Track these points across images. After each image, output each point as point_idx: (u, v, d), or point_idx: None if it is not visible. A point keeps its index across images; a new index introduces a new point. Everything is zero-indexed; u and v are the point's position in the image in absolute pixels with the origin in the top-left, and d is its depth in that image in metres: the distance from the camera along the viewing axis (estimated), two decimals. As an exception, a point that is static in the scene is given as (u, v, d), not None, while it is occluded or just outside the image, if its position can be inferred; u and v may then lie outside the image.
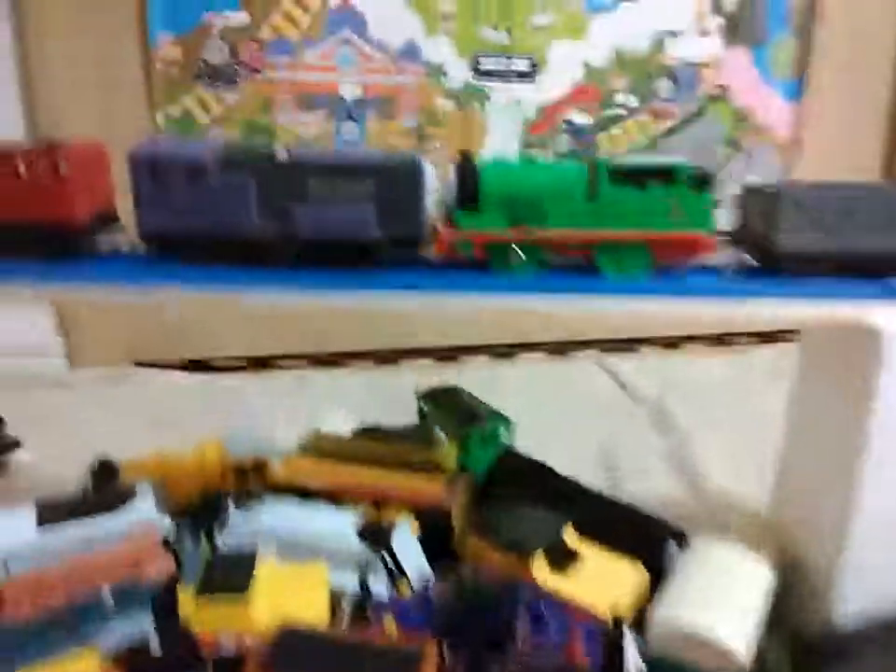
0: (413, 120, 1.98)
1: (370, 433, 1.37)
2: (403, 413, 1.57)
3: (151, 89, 1.82)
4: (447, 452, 1.33)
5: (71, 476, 1.22)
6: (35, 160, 0.92)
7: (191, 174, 0.92)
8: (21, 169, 0.92)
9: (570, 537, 1.08)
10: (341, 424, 1.39)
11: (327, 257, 0.96)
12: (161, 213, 0.93)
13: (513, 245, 0.96)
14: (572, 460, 1.56)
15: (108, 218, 1.04)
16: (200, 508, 1.18)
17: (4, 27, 1.71)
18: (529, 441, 1.46)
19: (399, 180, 0.94)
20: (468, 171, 0.97)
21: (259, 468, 1.27)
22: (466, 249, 0.96)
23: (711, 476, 1.51)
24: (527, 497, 1.19)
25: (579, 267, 0.99)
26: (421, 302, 0.97)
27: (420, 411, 1.59)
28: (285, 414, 1.67)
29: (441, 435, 1.37)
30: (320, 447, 1.33)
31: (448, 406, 1.51)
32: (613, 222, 0.95)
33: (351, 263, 0.96)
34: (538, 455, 1.35)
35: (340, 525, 1.05)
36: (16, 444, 1.42)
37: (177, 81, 1.83)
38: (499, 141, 2.05)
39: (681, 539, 1.12)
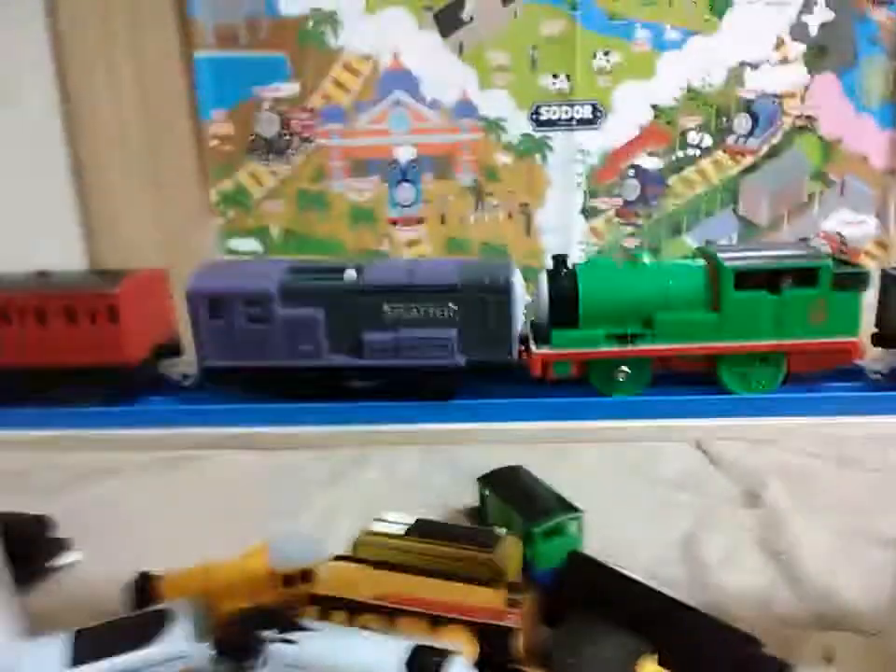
0: (471, 177, 1.91)
1: (424, 531, 1.29)
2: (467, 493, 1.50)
3: (204, 166, 1.81)
4: (509, 552, 1.24)
5: (120, 578, 1.20)
6: (92, 302, 0.91)
7: (253, 305, 0.88)
8: (79, 316, 0.91)
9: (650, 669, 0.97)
10: (394, 520, 1.32)
11: (405, 386, 0.89)
12: (222, 349, 0.89)
13: (619, 365, 0.86)
14: (651, 549, 1.45)
15: (169, 350, 1.01)
16: (243, 629, 1.12)
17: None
18: (603, 527, 1.36)
19: (486, 302, 0.87)
20: (563, 281, 0.87)
21: (308, 577, 1.21)
22: (563, 370, 0.87)
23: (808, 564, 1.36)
24: (600, 615, 1.08)
25: (694, 380, 0.89)
26: (511, 431, 0.90)
27: (481, 497, 1.50)
28: (340, 500, 1.61)
29: (502, 532, 1.27)
30: (371, 550, 1.26)
31: (510, 494, 1.42)
32: (739, 333, 0.84)
33: (432, 393, 0.89)
34: (611, 543, 1.26)
35: (386, 657, 0.98)
36: (65, 547, 1.41)
37: (230, 157, 1.82)
38: (562, 192, 1.96)
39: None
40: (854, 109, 2.00)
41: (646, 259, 0.90)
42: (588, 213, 2.00)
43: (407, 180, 1.89)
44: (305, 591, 1.17)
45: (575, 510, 1.34)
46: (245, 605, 1.17)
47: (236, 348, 0.89)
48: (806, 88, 1.97)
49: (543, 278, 0.88)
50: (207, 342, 0.89)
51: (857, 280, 0.83)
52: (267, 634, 1.04)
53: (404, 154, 1.87)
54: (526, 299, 0.90)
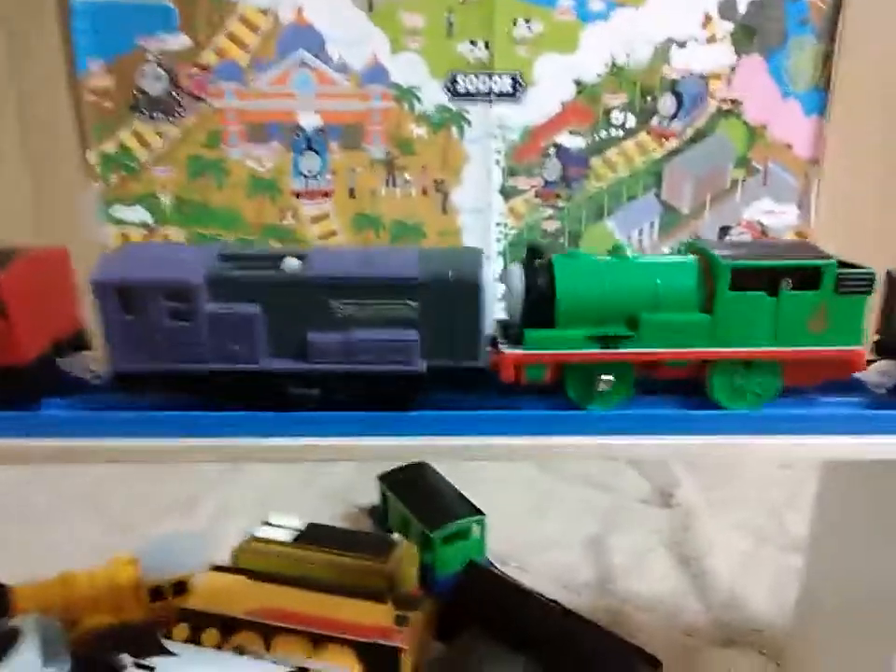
0: (382, 150, 1.80)
1: (313, 537, 1.19)
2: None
3: (82, 123, 1.65)
4: (404, 560, 1.15)
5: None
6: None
7: (175, 299, 0.74)
8: None
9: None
10: (281, 524, 1.22)
11: (356, 395, 0.76)
12: (137, 349, 0.75)
13: (599, 371, 0.76)
14: (559, 553, 1.40)
15: (73, 345, 0.85)
16: (99, 650, 1.01)
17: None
18: (512, 529, 1.30)
19: (452, 299, 0.75)
20: (538, 274, 0.77)
21: (180, 589, 1.10)
22: (537, 375, 0.77)
23: (717, 572, 1.32)
24: (494, 631, 1.01)
25: (680, 390, 0.79)
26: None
27: (382, 496, 1.42)
28: (230, 500, 1.51)
29: (397, 538, 1.19)
30: (254, 558, 1.16)
31: (411, 495, 1.33)
32: (733, 337, 0.75)
33: (388, 402, 0.76)
34: (519, 546, 1.18)
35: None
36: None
37: (111, 114, 1.66)
38: (480, 169, 1.87)
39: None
40: (780, 94, 1.97)
41: (629, 252, 0.79)
42: (507, 192, 1.91)
43: (312, 149, 1.76)
44: (176, 605, 1.06)
45: (478, 512, 1.27)
46: (109, 620, 1.06)
47: (154, 349, 0.75)
48: (733, 69, 1.92)
49: (516, 271, 0.77)
50: (118, 341, 0.75)
51: (863, 283, 0.75)
52: (123, 658, 0.93)
53: (309, 121, 1.75)
54: (496, 294, 0.78)
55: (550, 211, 1.95)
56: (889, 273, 0.82)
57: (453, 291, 0.74)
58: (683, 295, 0.76)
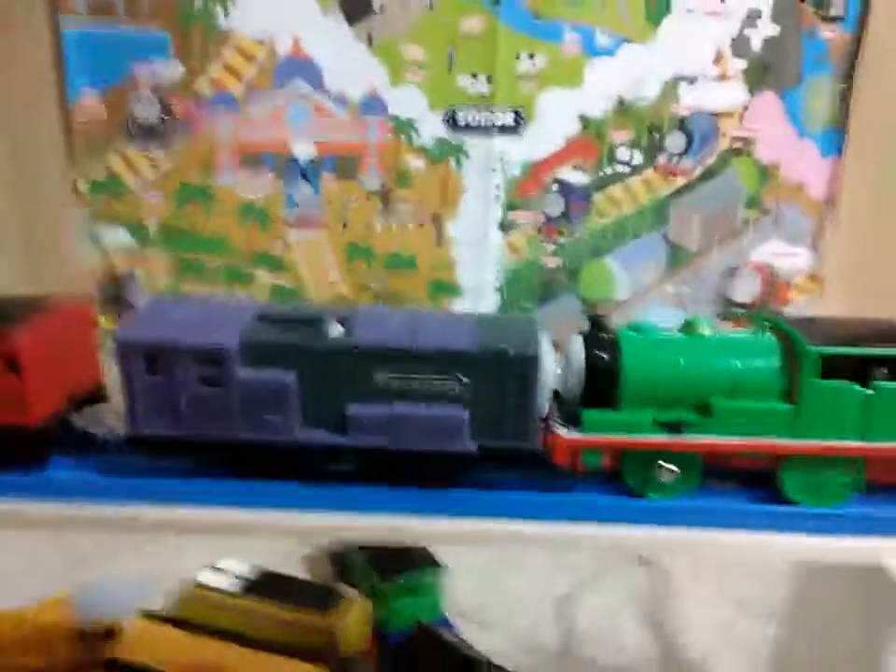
0: (378, 181, 1.79)
1: (259, 586, 1.19)
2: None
3: (72, 150, 1.66)
4: (352, 614, 1.14)
5: None
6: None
7: (206, 364, 0.71)
8: None
9: None
10: (228, 571, 1.21)
11: (399, 473, 0.73)
12: (160, 412, 0.72)
13: (662, 460, 0.71)
14: (525, 612, 1.38)
15: (90, 398, 0.84)
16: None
17: None
18: (475, 584, 1.28)
19: (507, 375, 0.71)
20: (602, 349, 0.72)
21: (111, 635, 1.10)
22: (595, 461, 0.72)
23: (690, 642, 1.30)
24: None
25: (751, 485, 0.74)
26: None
27: (343, 543, 1.41)
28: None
29: (345, 591, 1.18)
30: (195, 607, 1.15)
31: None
32: (814, 429, 0.70)
33: (433, 481, 0.73)
34: (485, 602, 1.17)
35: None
36: None
37: (102, 140, 1.67)
38: (478, 202, 1.85)
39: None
40: (796, 133, 1.93)
41: (706, 329, 0.75)
42: (506, 226, 1.90)
43: (306, 179, 1.76)
44: (106, 652, 1.06)
45: (435, 564, 1.26)
46: (36, 663, 1.07)
47: (179, 414, 0.72)
48: (745, 107, 1.89)
49: (577, 344, 0.73)
50: (141, 403, 0.72)
51: None
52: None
53: (303, 150, 1.75)
54: (553, 368, 0.74)
55: (550, 247, 1.93)
56: None
57: (510, 367, 0.70)
58: (764, 380, 0.71)
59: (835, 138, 1.93)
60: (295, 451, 0.73)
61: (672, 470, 0.71)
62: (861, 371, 0.70)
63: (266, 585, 1.19)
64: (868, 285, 2.07)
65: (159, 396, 0.71)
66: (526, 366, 0.70)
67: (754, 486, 0.74)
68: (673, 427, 0.71)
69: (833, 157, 1.94)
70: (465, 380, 0.71)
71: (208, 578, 1.20)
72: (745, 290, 2.06)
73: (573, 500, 0.73)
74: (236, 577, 1.21)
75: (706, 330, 0.75)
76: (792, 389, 0.70)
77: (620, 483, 0.73)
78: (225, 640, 1.07)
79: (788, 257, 2.03)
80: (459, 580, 1.30)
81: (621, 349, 0.72)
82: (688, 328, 0.75)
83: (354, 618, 1.15)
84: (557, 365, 0.74)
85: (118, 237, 1.75)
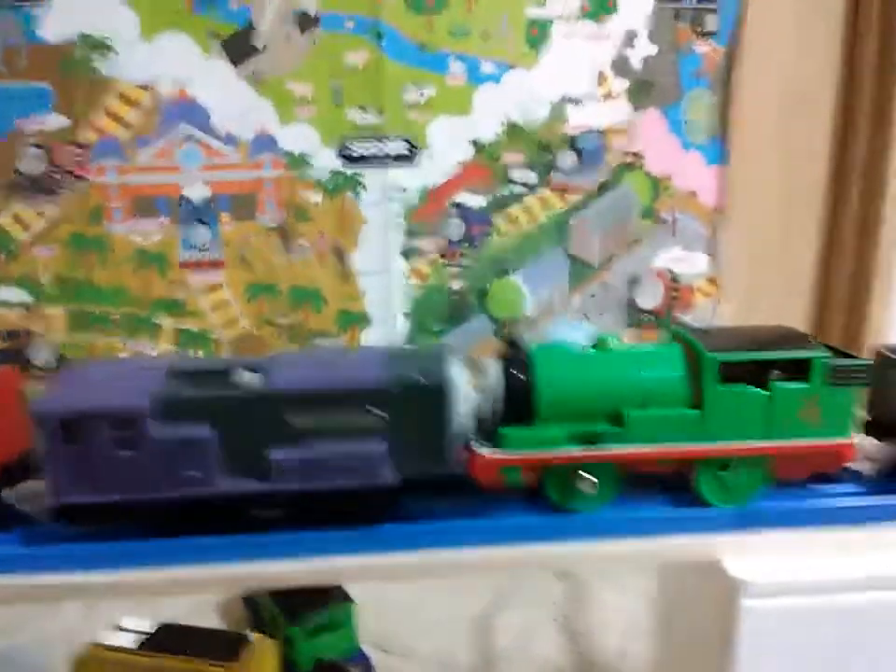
0: (276, 217, 1.81)
1: (163, 642, 1.18)
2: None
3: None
4: (261, 661, 1.15)
5: None
6: None
7: (120, 427, 0.71)
8: None
9: None
10: (132, 628, 1.21)
11: (324, 513, 0.74)
12: (81, 480, 0.72)
13: (581, 471, 0.74)
14: (444, 636, 1.40)
15: (21, 466, 0.82)
16: None
17: None
18: (395, 614, 1.30)
19: (419, 404, 0.72)
20: (517, 368, 0.75)
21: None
22: (516, 479, 0.74)
23: (605, 647, 1.34)
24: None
25: (660, 484, 0.79)
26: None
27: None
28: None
29: (252, 637, 1.18)
30: (95, 669, 1.14)
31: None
32: (721, 432, 0.75)
33: (357, 518, 0.74)
34: (399, 630, 1.18)
35: None
36: None
37: (-12, 198, 1.66)
38: (379, 232, 1.89)
39: None
40: (681, 145, 2.03)
41: (612, 342, 0.79)
42: (409, 253, 1.94)
43: (202, 221, 1.78)
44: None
45: (347, 599, 1.28)
46: None
47: (99, 480, 0.72)
48: (632, 124, 1.97)
49: (492, 365, 0.76)
50: (62, 473, 0.72)
51: (857, 374, 0.75)
52: None
53: (197, 192, 1.76)
54: (468, 391, 0.76)
55: (455, 269, 1.98)
56: (878, 353, 0.82)
57: (422, 397, 0.72)
58: (671, 389, 0.75)
59: (718, 147, 2.03)
60: (218, 502, 0.74)
61: (591, 482, 0.74)
62: (758, 374, 0.75)
63: (169, 639, 1.18)
64: (761, 284, 2.18)
65: (78, 463, 0.72)
66: (438, 394, 0.72)
67: (672, 490, 0.78)
68: (589, 440, 0.74)
69: (718, 165, 2.04)
70: (381, 414, 0.72)
71: (108, 637, 1.19)
72: (650, 297, 2.14)
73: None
74: (138, 634, 1.20)
75: (614, 345, 0.79)
76: (697, 395, 0.75)
77: (544, 499, 0.76)
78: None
79: (687, 262, 2.12)
80: (375, 611, 1.32)
81: (535, 367, 0.75)
82: (598, 344, 0.79)
83: (261, 663, 1.15)
84: (475, 387, 0.76)
85: (12, 295, 1.73)
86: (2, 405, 0.80)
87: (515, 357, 0.76)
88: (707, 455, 0.75)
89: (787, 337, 0.80)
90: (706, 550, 0.76)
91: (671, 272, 2.12)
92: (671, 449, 0.74)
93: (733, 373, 0.74)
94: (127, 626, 1.21)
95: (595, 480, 0.74)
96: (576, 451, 0.74)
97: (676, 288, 2.13)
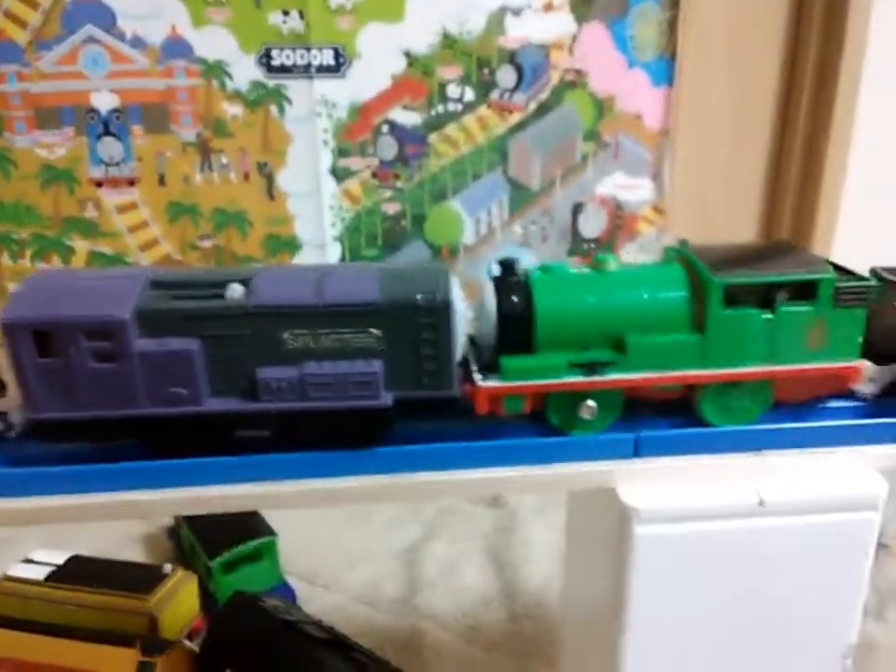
0: (193, 132, 1.71)
1: (75, 575, 1.13)
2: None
3: None
4: (178, 595, 1.11)
5: None
6: None
7: (99, 338, 0.67)
8: None
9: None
10: (43, 561, 1.16)
11: (314, 434, 0.71)
12: (57, 395, 0.68)
13: (584, 398, 0.72)
14: (371, 567, 1.38)
15: None
16: None
17: None
18: (324, 544, 1.27)
19: (419, 324, 0.69)
20: (513, 293, 0.72)
21: None
22: (516, 406, 0.73)
23: (532, 575, 1.32)
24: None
25: (666, 410, 0.77)
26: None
27: (175, 520, 1.37)
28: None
29: (168, 569, 1.14)
30: (3, 602, 1.09)
31: (199, 516, 1.28)
32: (726, 356, 0.72)
33: (351, 441, 0.71)
34: (327, 563, 1.15)
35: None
36: None
37: None
38: (306, 150, 1.80)
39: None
40: (626, 63, 1.95)
41: (612, 264, 0.75)
42: (339, 174, 1.85)
43: (111, 133, 1.67)
44: None
45: (269, 533, 1.24)
46: None
47: (77, 395, 0.68)
48: (574, 38, 1.89)
49: (488, 290, 0.73)
50: (36, 388, 0.68)
51: (862, 294, 0.73)
52: None
53: (104, 102, 1.65)
54: (467, 315, 0.73)
55: (388, 192, 1.90)
56: (875, 274, 0.79)
57: (420, 316, 0.69)
58: (672, 312, 0.73)
59: (665, 67, 1.96)
60: (204, 421, 0.71)
61: (591, 408, 0.73)
62: (764, 296, 0.73)
63: (81, 571, 1.14)
64: (706, 212, 2.14)
65: (53, 377, 0.68)
66: (438, 313, 0.69)
67: (672, 413, 0.77)
68: (590, 368, 0.72)
69: (664, 86, 1.97)
70: (376, 332, 0.69)
71: (19, 570, 1.14)
72: (593, 225, 2.09)
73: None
74: (49, 566, 1.15)
75: (613, 266, 0.76)
76: (699, 318, 0.73)
77: (541, 422, 0.74)
78: (33, 632, 1.02)
79: (631, 189, 2.07)
80: (303, 544, 1.29)
81: (533, 292, 0.72)
82: (597, 264, 0.76)
83: (177, 596, 1.11)
84: (470, 311, 0.74)
85: None
86: None
87: (511, 281, 0.74)
88: (710, 381, 0.74)
89: (790, 256, 0.77)
90: (601, 478, 0.74)
91: (615, 199, 2.07)
92: (674, 375, 0.73)
93: (737, 295, 0.72)
94: (37, 559, 1.15)
95: (595, 406, 0.73)
96: (577, 379, 0.72)
97: (620, 216, 2.08)
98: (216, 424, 0.71)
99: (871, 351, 0.78)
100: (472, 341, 0.75)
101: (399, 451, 0.72)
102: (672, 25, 1.93)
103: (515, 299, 0.72)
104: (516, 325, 0.72)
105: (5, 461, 0.72)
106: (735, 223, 2.14)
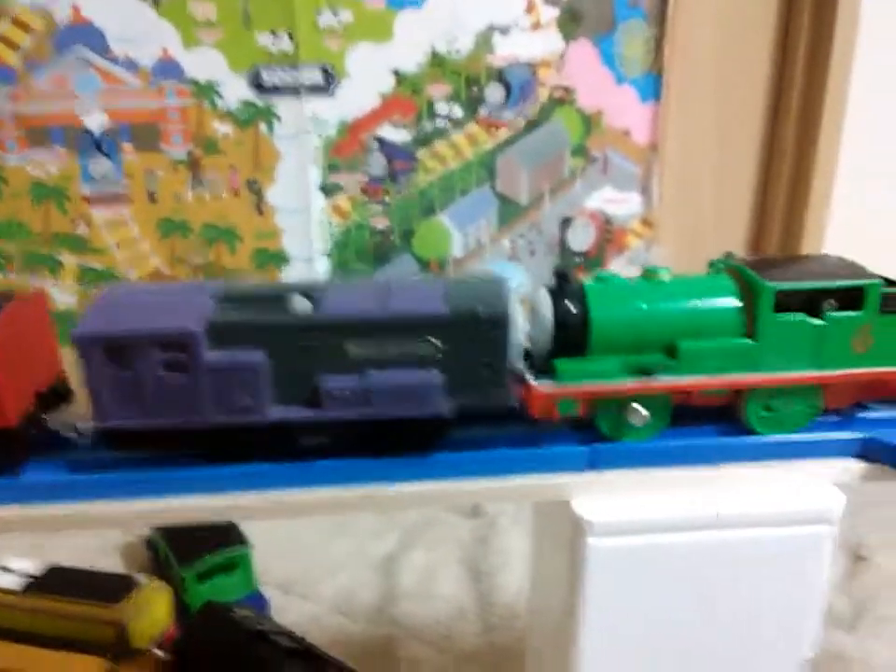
0: (184, 150, 1.75)
1: (47, 584, 1.16)
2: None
3: None
4: (149, 604, 1.13)
5: None
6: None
7: (171, 350, 0.70)
8: None
9: None
10: (17, 569, 1.19)
11: (375, 442, 0.75)
12: (128, 404, 0.72)
13: (634, 402, 0.75)
14: (347, 577, 1.41)
15: (56, 395, 0.81)
16: None
17: None
18: (301, 554, 1.30)
19: (480, 336, 0.72)
20: (571, 300, 0.76)
21: None
22: (570, 409, 0.76)
23: (508, 585, 1.35)
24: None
25: (715, 418, 0.80)
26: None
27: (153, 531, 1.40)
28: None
29: (146, 580, 1.17)
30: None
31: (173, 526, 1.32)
32: (774, 362, 0.75)
33: (410, 447, 0.75)
34: (303, 573, 1.18)
35: None
36: None
37: None
38: (296, 167, 1.83)
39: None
40: (614, 80, 1.98)
41: (664, 275, 0.79)
42: (328, 190, 1.89)
43: (102, 152, 1.70)
44: None
45: (242, 543, 1.27)
46: None
47: (147, 405, 0.72)
48: (562, 56, 1.92)
49: (544, 298, 0.77)
50: (107, 397, 0.72)
51: None
52: None
53: (96, 121, 1.68)
54: (523, 323, 0.78)
55: (377, 207, 1.94)
56: None
57: (483, 327, 0.72)
58: (724, 319, 0.76)
59: (653, 83, 1.99)
60: (268, 430, 0.74)
61: (643, 415, 0.76)
62: (812, 303, 0.76)
63: (52, 581, 1.16)
64: (695, 225, 2.17)
65: (124, 387, 0.72)
66: (498, 325, 0.72)
67: (716, 421, 0.80)
68: (643, 371, 0.75)
69: (651, 102, 2.00)
70: (438, 344, 0.72)
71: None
72: (581, 239, 2.12)
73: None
74: (23, 576, 1.18)
75: (665, 276, 0.79)
76: (750, 325, 0.76)
77: (592, 430, 0.77)
78: (3, 640, 1.05)
79: (619, 203, 2.10)
80: (279, 553, 1.32)
81: (588, 299, 0.76)
82: (648, 275, 0.80)
83: (149, 606, 1.14)
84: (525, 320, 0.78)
85: None
86: (37, 332, 0.79)
87: (567, 289, 0.77)
88: (761, 385, 0.76)
89: (838, 265, 0.81)
90: (555, 490, 0.77)
91: (603, 212, 2.10)
92: (726, 380, 0.76)
93: (786, 303, 0.75)
94: (12, 567, 1.19)
95: (647, 414, 0.76)
96: (630, 382, 0.75)
97: (609, 230, 2.11)
98: (279, 432, 0.74)
99: None
100: (527, 353, 0.79)
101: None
102: (659, 42, 1.96)
103: (571, 306, 0.76)
104: (572, 331, 0.76)
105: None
106: (724, 236, 2.17)
